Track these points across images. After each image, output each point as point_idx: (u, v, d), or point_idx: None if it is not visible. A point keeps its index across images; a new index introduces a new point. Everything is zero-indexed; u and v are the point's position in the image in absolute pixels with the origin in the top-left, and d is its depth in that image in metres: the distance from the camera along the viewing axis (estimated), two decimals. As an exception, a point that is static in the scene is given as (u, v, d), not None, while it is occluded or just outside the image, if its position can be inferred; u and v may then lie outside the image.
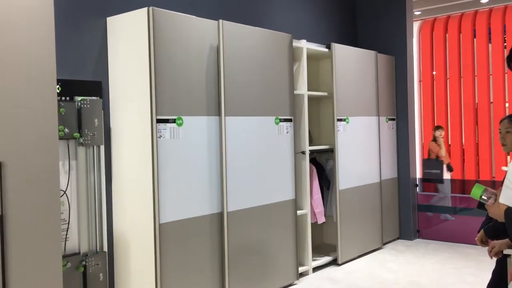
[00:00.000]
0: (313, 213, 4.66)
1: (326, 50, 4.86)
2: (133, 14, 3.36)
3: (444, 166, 6.85)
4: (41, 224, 2.52)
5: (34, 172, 2.50)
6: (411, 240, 5.75)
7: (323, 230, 5.40)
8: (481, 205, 2.21)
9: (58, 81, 3.12)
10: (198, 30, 3.53)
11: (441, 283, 4.23)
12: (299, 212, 4.48)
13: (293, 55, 4.31)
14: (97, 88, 3.43)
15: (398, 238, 5.81)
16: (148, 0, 3.73)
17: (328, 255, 4.89)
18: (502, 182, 2.09)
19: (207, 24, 3.60)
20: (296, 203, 4.29)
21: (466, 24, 7.48)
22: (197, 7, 4.09)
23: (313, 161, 4.84)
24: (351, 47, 5.16)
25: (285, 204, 4.17)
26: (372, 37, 5.93)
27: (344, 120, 4.94)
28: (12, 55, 2.44)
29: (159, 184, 3.27)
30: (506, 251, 2.34)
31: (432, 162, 6.87)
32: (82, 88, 3.32)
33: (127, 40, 3.40)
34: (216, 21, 3.66)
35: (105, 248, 3.42)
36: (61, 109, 3.13)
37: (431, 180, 6.65)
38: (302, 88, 4.55)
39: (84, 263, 3.26)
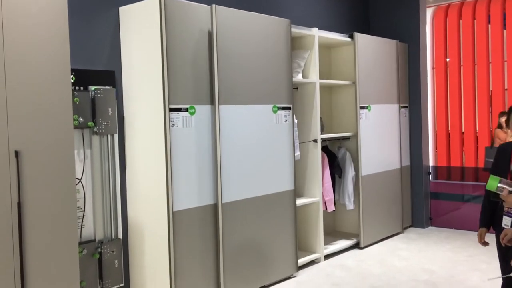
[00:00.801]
0: (323, 201, 4.67)
1: (347, 39, 4.93)
2: (145, 3, 3.37)
3: None
4: (57, 212, 2.57)
5: (50, 160, 2.54)
6: (423, 228, 5.75)
7: (334, 219, 5.42)
8: (495, 196, 2.23)
9: (72, 71, 3.16)
10: (208, 19, 3.53)
11: (453, 271, 4.24)
12: (310, 200, 4.51)
13: (291, 41, 4.12)
14: (110, 77, 3.46)
15: (410, 226, 5.81)
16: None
17: (344, 238, 4.92)
18: None
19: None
20: (295, 194, 4.19)
21: (480, 10, 7.37)
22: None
23: (324, 149, 4.84)
24: (372, 36, 5.24)
25: (284, 194, 4.07)
26: (384, 24, 5.88)
27: (366, 108, 5.04)
28: (27, 46, 2.48)
29: (172, 172, 3.31)
30: None
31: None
32: (95, 78, 3.36)
33: (139, 29, 3.42)
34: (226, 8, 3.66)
35: (120, 235, 3.48)
36: (75, 99, 3.17)
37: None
38: (314, 77, 4.54)
39: (99, 250, 3.32)
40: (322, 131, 4.74)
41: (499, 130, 6.68)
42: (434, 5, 7.87)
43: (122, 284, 3.48)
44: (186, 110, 3.40)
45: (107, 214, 3.42)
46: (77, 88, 3.25)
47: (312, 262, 4.51)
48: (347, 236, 5.14)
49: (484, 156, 6.98)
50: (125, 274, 3.55)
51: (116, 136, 3.46)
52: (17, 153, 2.43)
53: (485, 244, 2.75)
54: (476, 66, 7.53)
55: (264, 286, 3.93)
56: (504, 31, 7.32)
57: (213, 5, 3.51)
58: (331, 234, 5.27)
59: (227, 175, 3.62)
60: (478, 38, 7.47)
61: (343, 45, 5.17)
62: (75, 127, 3.16)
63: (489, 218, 2.74)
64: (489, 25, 7.40)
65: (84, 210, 3.29)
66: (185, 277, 3.39)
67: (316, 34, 4.55)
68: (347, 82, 4.98)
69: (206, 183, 3.53)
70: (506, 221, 2.53)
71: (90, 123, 3.26)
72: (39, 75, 2.52)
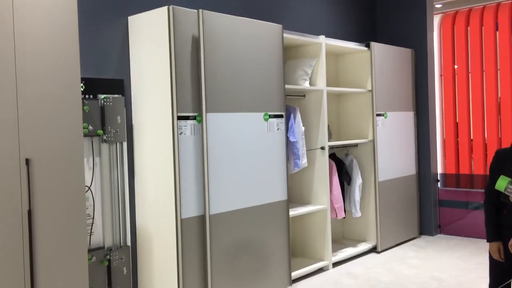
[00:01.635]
0: (333, 208, 4.67)
1: (361, 47, 5.02)
2: (154, 12, 3.41)
3: None
4: (67, 219, 2.60)
5: (60, 168, 2.57)
6: (432, 235, 5.71)
7: (343, 226, 5.41)
8: (504, 197, 2.21)
9: (82, 79, 3.20)
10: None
11: (462, 279, 4.21)
12: (317, 207, 4.51)
13: (283, 48, 4.00)
14: (120, 86, 3.50)
15: (419, 234, 5.78)
16: (168, -1, 3.79)
17: (352, 246, 4.91)
18: None
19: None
20: (288, 204, 4.06)
21: (488, 17, 7.36)
22: (218, 5, 4.12)
23: (332, 156, 4.85)
24: (388, 45, 5.34)
25: (276, 205, 3.95)
26: (392, 31, 5.89)
27: (383, 115, 5.11)
28: (38, 55, 2.52)
29: (180, 180, 3.33)
30: None
31: None
32: (105, 86, 3.40)
33: (148, 38, 3.46)
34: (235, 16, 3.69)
35: (129, 243, 3.50)
36: (85, 107, 3.21)
37: None
38: (321, 84, 4.56)
39: (108, 257, 3.34)
40: (330, 138, 4.75)
41: None
42: (442, 12, 7.87)
43: (131, 291, 3.49)
44: (194, 118, 3.43)
45: (115, 222, 3.44)
46: (87, 96, 3.29)
47: (320, 270, 4.50)
48: (355, 244, 5.12)
49: None
50: (134, 281, 3.57)
51: (125, 144, 3.49)
52: (27, 161, 2.46)
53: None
54: (484, 73, 7.51)
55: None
56: (512, 38, 7.28)
57: (200, 10, 3.41)
58: (340, 241, 5.26)
59: (215, 185, 3.49)
60: (486, 45, 7.45)
61: (352, 53, 5.20)
62: (85, 135, 3.19)
63: (497, 228, 2.61)
64: (497, 32, 7.38)
65: (93, 218, 3.32)
66: (194, 285, 3.40)
67: (323, 41, 4.57)
68: (361, 90, 5.03)
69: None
70: None
71: (100, 131, 3.30)
72: (49, 84, 2.55)
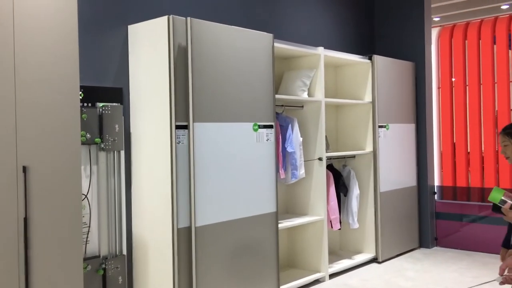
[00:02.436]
0: (328, 220, 4.66)
1: (362, 60, 5.07)
2: (154, 22, 3.43)
3: None
4: (63, 227, 2.59)
5: (57, 176, 2.57)
6: (429, 248, 5.71)
7: (340, 237, 5.40)
8: (496, 208, 2.21)
9: (81, 87, 3.20)
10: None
11: (459, 292, 4.20)
12: (314, 218, 4.50)
13: (273, 57, 3.94)
14: (118, 94, 3.50)
15: (419, 245, 5.77)
16: (169, 9, 3.81)
17: (348, 258, 4.90)
18: None
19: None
20: (277, 217, 3.96)
21: (486, 30, 7.42)
22: (217, 16, 4.15)
23: (329, 167, 4.85)
24: (390, 58, 5.39)
25: (265, 217, 3.86)
26: (390, 43, 5.93)
27: (385, 126, 5.18)
28: (37, 62, 2.52)
29: (177, 189, 3.32)
30: None
31: None
32: (103, 95, 3.40)
33: (148, 47, 3.48)
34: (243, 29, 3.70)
35: (124, 252, 3.48)
36: (83, 115, 3.21)
37: None
38: (319, 95, 4.57)
39: (103, 266, 3.32)
40: (327, 149, 4.76)
41: None
42: (440, 25, 7.93)
43: (126, 301, 3.47)
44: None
45: (111, 230, 3.43)
46: (85, 104, 3.29)
47: (316, 282, 4.48)
48: (352, 255, 5.11)
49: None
50: (129, 290, 3.55)
51: (122, 153, 3.49)
52: (25, 169, 2.45)
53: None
54: (481, 86, 7.55)
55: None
56: (510, 51, 7.34)
57: (188, 18, 3.36)
58: (336, 253, 5.24)
59: (202, 196, 3.41)
60: (484, 58, 7.50)
61: (351, 65, 5.23)
62: (83, 143, 3.19)
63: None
64: (495, 46, 7.43)
65: (89, 226, 3.31)
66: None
67: (322, 53, 4.60)
68: (359, 101, 5.07)
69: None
70: None
71: (97, 139, 3.30)
72: (48, 92, 2.56)
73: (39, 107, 2.52)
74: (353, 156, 5.20)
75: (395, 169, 5.38)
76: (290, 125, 4.32)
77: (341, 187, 4.88)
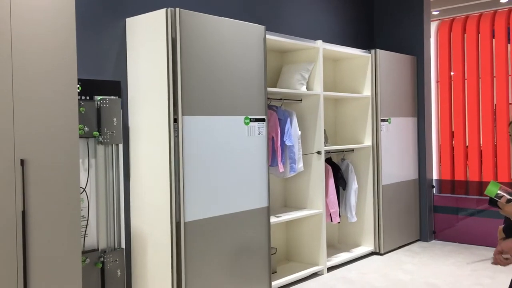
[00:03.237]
0: (328, 213, 4.66)
1: (363, 53, 5.07)
2: (152, 15, 3.41)
3: None
4: (61, 220, 2.59)
5: (55, 169, 2.56)
6: (427, 241, 5.72)
7: (338, 231, 5.41)
8: (492, 202, 2.21)
9: (79, 80, 3.19)
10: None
11: (457, 285, 4.21)
12: (312, 211, 4.50)
13: (265, 49, 3.87)
14: (116, 87, 3.49)
15: (419, 237, 5.79)
16: (168, 1, 3.79)
17: (347, 251, 4.91)
18: None
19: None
20: (269, 212, 3.91)
21: (485, 24, 7.40)
22: (215, 8, 4.13)
23: (328, 161, 4.85)
24: (392, 52, 5.39)
25: (257, 212, 3.81)
26: (389, 36, 5.92)
27: (387, 120, 5.20)
28: (35, 55, 2.51)
29: (176, 182, 3.32)
30: None
31: None
32: (101, 88, 3.39)
33: (146, 40, 3.46)
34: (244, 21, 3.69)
35: (123, 245, 3.48)
36: (81, 108, 3.20)
37: None
38: (318, 89, 4.56)
39: (102, 259, 3.32)
40: (326, 143, 4.76)
41: None
42: (439, 19, 7.91)
43: (124, 294, 3.47)
44: (191, 120, 3.42)
45: (110, 224, 3.43)
46: (83, 97, 3.28)
47: (314, 275, 4.49)
48: (350, 248, 5.12)
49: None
50: (128, 283, 3.55)
51: (120, 146, 3.48)
52: (22, 162, 2.45)
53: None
54: (480, 80, 7.55)
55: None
56: (509, 45, 7.33)
57: (177, 9, 3.28)
58: (334, 246, 5.26)
59: (192, 191, 3.36)
60: (483, 52, 7.49)
61: (350, 58, 5.22)
62: (80, 136, 3.18)
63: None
64: (494, 40, 7.42)
65: (87, 219, 3.31)
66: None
67: (321, 46, 4.58)
68: (358, 95, 5.07)
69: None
70: None
71: (95, 133, 3.29)
72: (46, 85, 2.55)
73: (36, 100, 2.51)
74: (352, 150, 5.20)
75: (397, 162, 5.40)
76: (288, 119, 4.32)
77: (340, 180, 4.88)
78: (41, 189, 2.51)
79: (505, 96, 7.37)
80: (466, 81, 7.80)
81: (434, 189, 5.87)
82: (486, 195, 2.19)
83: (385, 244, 5.19)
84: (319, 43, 4.59)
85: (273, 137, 4.23)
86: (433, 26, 7.76)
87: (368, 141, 5.14)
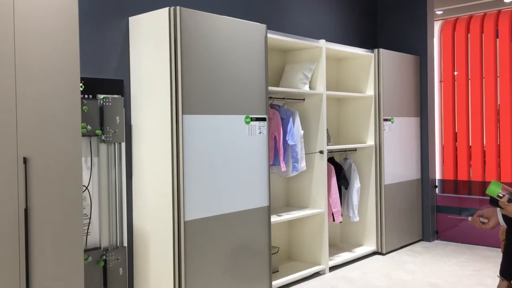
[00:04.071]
0: (330, 213, 4.66)
1: (365, 53, 5.07)
2: (155, 13, 3.42)
3: None
4: (64, 218, 2.59)
5: (58, 167, 2.57)
6: (429, 241, 5.71)
7: (340, 230, 5.40)
8: (493, 202, 2.21)
9: (82, 79, 3.20)
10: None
11: (459, 285, 4.20)
12: (315, 211, 4.50)
13: (266, 48, 3.86)
14: (119, 86, 3.50)
15: (422, 237, 5.79)
16: (171, 0, 3.79)
17: (348, 251, 4.90)
18: None
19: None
20: (269, 211, 3.90)
21: (489, 24, 7.38)
22: (219, 7, 4.13)
23: (330, 160, 4.85)
24: (395, 52, 5.39)
25: (257, 211, 3.80)
26: (392, 36, 5.91)
27: (389, 120, 5.20)
28: (38, 54, 2.52)
29: (178, 181, 3.32)
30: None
31: None
32: (104, 86, 3.39)
33: (149, 39, 3.46)
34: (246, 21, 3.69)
35: (125, 243, 3.49)
36: (84, 107, 3.21)
37: None
38: (321, 88, 4.56)
39: (104, 257, 3.33)
40: (329, 142, 4.76)
41: None
42: (442, 19, 7.89)
43: (126, 292, 3.48)
44: (193, 119, 3.42)
45: (112, 222, 3.43)
46: (86, 96, 3.29)
47: (316, 274, 4.49)
48: (352, 248, 5.12)
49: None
50: (130, 282, 3.56)
51: (123, 145, 3.49)
52: (25, 160, 2.45)
53: None
54: (484, 80, 7.52)
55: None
56: (512, 45, 7.31)
57: (177, 7, 3.28)
58: (336, 245, 5.25)
59: (192, 190, 3.36)
60: (486, 52, 7.47)
61: (353, 58, 5.21)
62: (83, 135, 3.19)
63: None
64: (497, 39, 7.39)
65: (90, 218, 3.31)
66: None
67: (324, 46, 4.58)
68: (361, 95, 5.06)
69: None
70: None
71: (98, 131, 3.29)
72: (49, 83, 2.55)
73: (39, 99, 2.52)
74: (355, 149, 5.19)
75: (400, 162, 5.39)
76: (291, 118, 4.32)
77: (342, 180, 4.88)
78: (43, 187, 2.52)
79: (508, 96, 7.34)
80: (469, 81, 7.77)
81: (437, 189, 5.85)
82: (488, 195, 2.18)
83: (387, 244, 5.18)
84: (322, 42, 4.59)
85: (275, 136, 4.23)
86: (437, 26, 7.74)
87: (371, 141, 5.14)
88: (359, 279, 4.41)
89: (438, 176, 6.45)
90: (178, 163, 3.32)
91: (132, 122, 3.58)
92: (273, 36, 4.09)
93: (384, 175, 5.12)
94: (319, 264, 4.55)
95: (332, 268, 4.65)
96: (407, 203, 5.51)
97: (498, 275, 2.26)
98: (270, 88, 4.00)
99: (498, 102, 7.46)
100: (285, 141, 4.29)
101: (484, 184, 6.87)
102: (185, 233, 3.35)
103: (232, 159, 3.64)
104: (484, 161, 7.51)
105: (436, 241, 5.77)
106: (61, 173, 2.58)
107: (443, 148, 7.77)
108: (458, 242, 5.65)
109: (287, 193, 4.82)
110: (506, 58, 7.31)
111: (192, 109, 3.38)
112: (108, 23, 3.49)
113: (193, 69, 3.39)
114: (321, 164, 4.55)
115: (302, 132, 4.42)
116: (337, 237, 5.37)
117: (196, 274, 3.40)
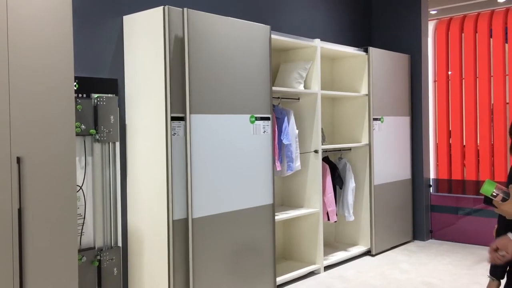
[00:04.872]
0: (325, 212, 4.66)
1: (357, 52, 5.06)
2: (149, 12, 3.40)
3: None
4: (58, 218, 2.58)
5: (52, 167, 2.55)
6: (424, 240, 5.73)
7: (335, 230, 5.41)
8: (487, 201, 2.21)
9: (76, 78, 3.18)
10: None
11: (453, 284, 4.22)
12: (310, 210, 4.50)
13: (270, 49, 3.92)
14: (113, 85, 3.48)
15: (413, 238, 5.80)
16: (164, -1, 3.78)
17: (344, 250, 4.91)
18: (509, 181, 2.10)
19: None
20: (273, 209, 3.95)
21: (482, 24, 7.41)
22: (212, 7, 4.12)
23: (325, 160, 4.85)
24: (386, 50, 5.37)
25: (262, 209, 3.85)
26: (387, 35, 5.92)
27: (379, 119, 5.18)
28: (31, 53, 2.50)
29: (172, 181, 3.31)
30: None
31: None
32: (98, 86, 3.38)
33: (143, 38, 3.45)
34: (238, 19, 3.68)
35: (119, 243, 3.47)
36: (78, 106, 3.19)
37: None
38: (315, 88, 4.56)
39: (98, 257, 3.31)
40: (323, 142, 4.76)
41: None
42: (436, 18, 7.92)
43: (121, 292, 3.47)
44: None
45: (107, 222, 3.42)
46: (80, 95, 3.27)
47: (311, 273, 4.50)
48: (347, 247, 5.12)
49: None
50: (124, 282, 3.54)
51: (117, 144, 3.47)
52: (19, 159, 2.44)
53: None
54: (477, 79, 7.56)
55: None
56: (506, 45, 7.35)
57: (185, 9, 3.33)
58: (331, 245, 5.26)
59: (199, 188, 3.41)
60: (480, 51, 7.50)
61: (347, 57, 5.22)
62: (77, 134, 3.17)
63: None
64: (491, 39, 7.43)
65: (84, 218, 3.30)
66: (184, 286, 3.38)
67: (318, 45, 4.58)
68: (356, 94, 5.07)
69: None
70: None
71: (92, 131, 3.28)
72: (43, 82, 2.53)
73: (33, 98, 2.50)
74: (349, 149, 5.20)
75: (390, 162, 5.38)
76: (286, 117, 4.31)
77: (337, 179, 4.88)
78: (37, 187, 2.50)
79: (502, 95, 7.38)
80: (463, 80, 7.80)
81: (431, 188, 5.87)
82: (482, 194, 2.19)
83: (380, 244, 5.19)
84: (317, 41, 4.59)
85: (270, 136, 4.23)
86: (431, 25, 7.77)
87: (365, 140, 5.14)
88: (354, 278, 4.42)
89: (432, 175, 6.48)
90: (173, 162, 3.31)
91: (127, 122, 3.56)
92: (268, 35, 4.08)
93: (374, 175, 5.11)
94: (314, 263, 4.55)
95: (327, 268, 4.66)
96: (399, 203, 5.51)
97: (488, 275, 2.27)
98: (265, 87, 4.01)
99: (492, 102, 7.50)
100: (280, 140, 4.29)
101: (478, 183, 6.90)
102: (192, 230, 3.34)
103: (237, 158, 3.68)
104: (478, 160, 7.54)
105: (430, 240, 5.79)
106: (55, 173, 2.56)
107: (437, 147, 7.81)
108: (452, 241, 5.67)
109: (282, 193, 4.82)
110: (499, 57, 7.35)
111: (198, 108, 3.42)
112: (102, 22, 3.47)
113: (198, 69, 3.41)
114: (316, 164, 4.55)
115: (297, 131, 4.42)
116: (332, 237, 5.38)
117: (199, 273, 3.39)
